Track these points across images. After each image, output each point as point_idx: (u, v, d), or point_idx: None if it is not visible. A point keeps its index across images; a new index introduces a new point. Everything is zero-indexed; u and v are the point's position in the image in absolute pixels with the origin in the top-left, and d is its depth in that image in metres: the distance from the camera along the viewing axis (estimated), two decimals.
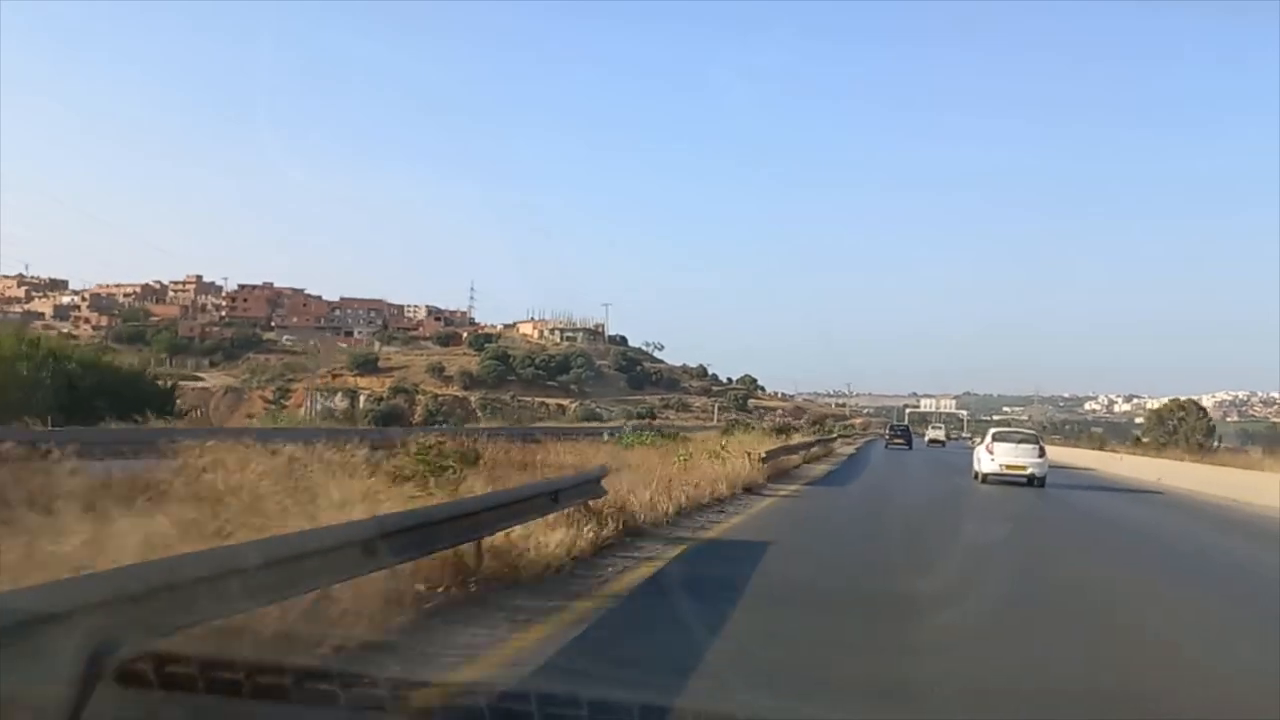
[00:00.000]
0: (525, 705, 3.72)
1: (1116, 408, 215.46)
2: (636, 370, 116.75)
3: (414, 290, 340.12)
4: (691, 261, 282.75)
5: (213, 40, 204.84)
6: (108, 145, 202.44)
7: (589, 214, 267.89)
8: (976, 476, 25.76)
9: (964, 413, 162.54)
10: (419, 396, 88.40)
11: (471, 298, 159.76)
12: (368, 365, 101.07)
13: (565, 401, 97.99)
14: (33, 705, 3.04)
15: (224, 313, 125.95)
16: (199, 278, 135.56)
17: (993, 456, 24.79)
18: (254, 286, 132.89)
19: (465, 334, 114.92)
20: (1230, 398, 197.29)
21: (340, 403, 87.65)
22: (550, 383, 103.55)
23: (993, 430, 28.12)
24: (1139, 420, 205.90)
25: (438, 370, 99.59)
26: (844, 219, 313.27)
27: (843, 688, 5.37)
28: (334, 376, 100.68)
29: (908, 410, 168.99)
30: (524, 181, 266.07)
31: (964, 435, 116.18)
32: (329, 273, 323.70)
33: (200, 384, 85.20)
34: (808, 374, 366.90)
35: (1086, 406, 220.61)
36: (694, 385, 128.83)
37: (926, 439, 71.44)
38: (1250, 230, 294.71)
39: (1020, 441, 25.68)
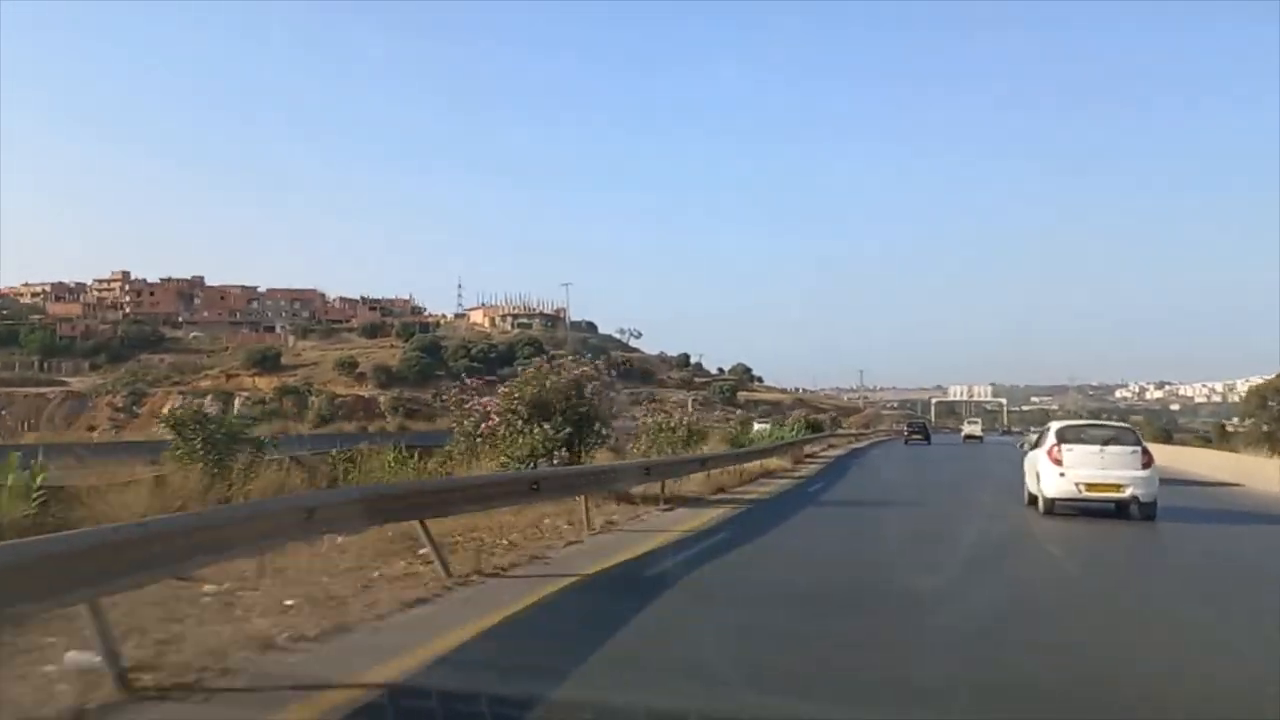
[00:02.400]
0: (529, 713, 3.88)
1: (1148, 395, 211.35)
2: (601, 360, 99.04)
3: (400, 286, 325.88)
4: (692, 250, 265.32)
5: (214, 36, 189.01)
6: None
7: (576, 197, 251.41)
8: (1034, 503, 15.93)
9: (1001, 401, 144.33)
10: (313, 399, 71.45)
11: (460, 293, 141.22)
12: (270, 362, 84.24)
13: None
14: None
15: (129, 309, 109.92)
16: (125, 274, 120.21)
17: (1062, 469, 14.94)
18: (180, 280, 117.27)
19: (395, 324, 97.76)
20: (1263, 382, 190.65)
21: (210, 409, 70.86)
22: (489, 376, 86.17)
23: (1057, 425, 16.51)
24: (1175, 408, 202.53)
25: (349, 366, 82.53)
26: (860, 210, 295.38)
27: None
28: (228, 377, 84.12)
29: (934, 401, 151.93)
30: (511, 169, 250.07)
31: (1025, 431, 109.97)
32: (299, 270, 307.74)
33: (37, 390, 68.57)
34: (825, 367, 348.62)
35: (1117, 395, 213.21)
36: (673, 377, 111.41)
37: (962, 435, 66.99)
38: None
39: (1107, 442, 15.27)
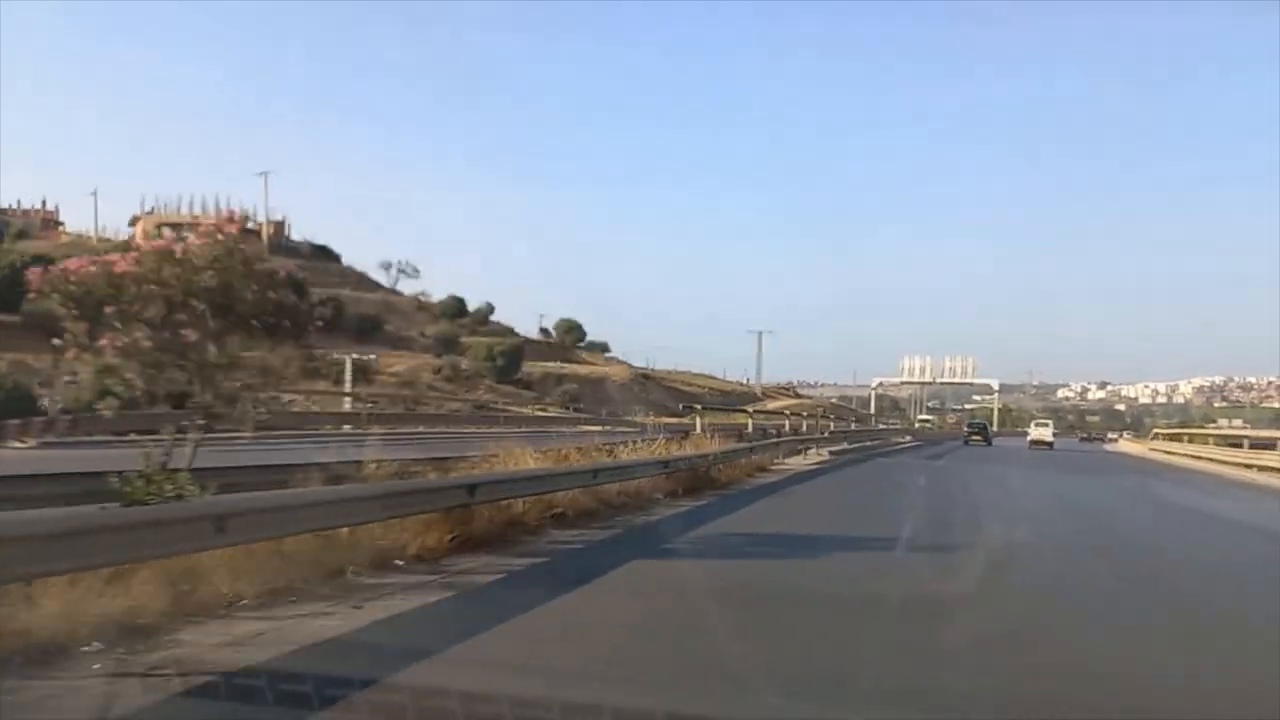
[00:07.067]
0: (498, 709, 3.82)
1: (1090, 395, 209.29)
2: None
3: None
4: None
5: None
6: None
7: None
8: None
9: (992, 383, 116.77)
10: None
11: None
12: None
13: None
14: None
15: None
16: None
17: None
18: None
19: None
20: (1208, 383, 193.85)
21: None
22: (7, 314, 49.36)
23: None
24: (1119, 408, 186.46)
25: None
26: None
27: None
28: None
29: (874, 393, 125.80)
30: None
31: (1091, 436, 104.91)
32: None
33: None
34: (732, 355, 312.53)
35: (1059, 394, 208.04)
36: (426, 334, 75.54)
37: (1029, 439, 61.28)
38: (1226, 213, 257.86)
39: None
